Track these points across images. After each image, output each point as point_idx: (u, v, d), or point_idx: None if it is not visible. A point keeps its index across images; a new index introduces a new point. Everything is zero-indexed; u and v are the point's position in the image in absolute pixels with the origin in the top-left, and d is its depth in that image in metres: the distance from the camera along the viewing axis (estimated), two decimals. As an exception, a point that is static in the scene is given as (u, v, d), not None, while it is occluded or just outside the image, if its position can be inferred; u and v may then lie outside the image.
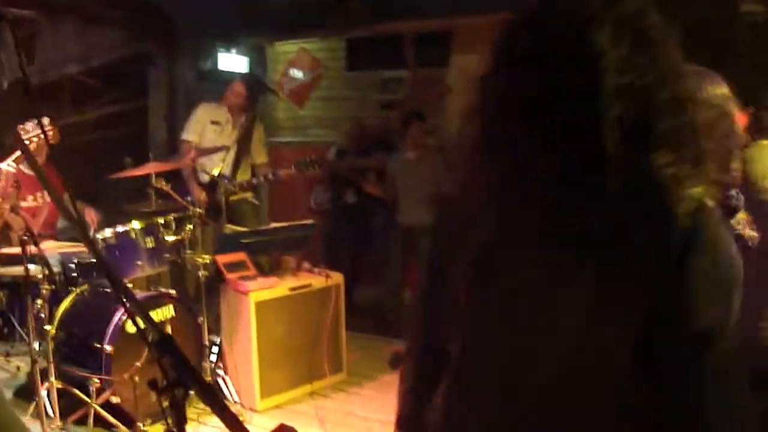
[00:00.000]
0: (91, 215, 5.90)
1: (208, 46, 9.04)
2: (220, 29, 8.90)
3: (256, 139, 7.09)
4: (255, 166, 7.16)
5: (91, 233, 5.46)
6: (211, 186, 6.00)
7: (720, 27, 6.80)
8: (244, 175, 6.92)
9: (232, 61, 9.03)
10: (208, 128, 6.87)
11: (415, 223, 7.20)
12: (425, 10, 7.93)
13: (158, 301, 5.10)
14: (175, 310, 5.17)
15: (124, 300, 1.71)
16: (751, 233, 2.62)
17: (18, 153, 4.52)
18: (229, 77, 8.82)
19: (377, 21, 8.18)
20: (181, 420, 1.60)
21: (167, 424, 1.60)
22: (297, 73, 9.33)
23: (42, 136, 4.31)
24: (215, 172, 5.87)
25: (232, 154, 6.66)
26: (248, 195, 6.91)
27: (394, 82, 8.98)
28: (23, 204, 5.52)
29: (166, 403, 1.57)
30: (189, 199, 5.90)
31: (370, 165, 7.79)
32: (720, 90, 2.53)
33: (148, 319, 1.73)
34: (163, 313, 5.10)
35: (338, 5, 8.11)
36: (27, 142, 4.42)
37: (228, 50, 9.01)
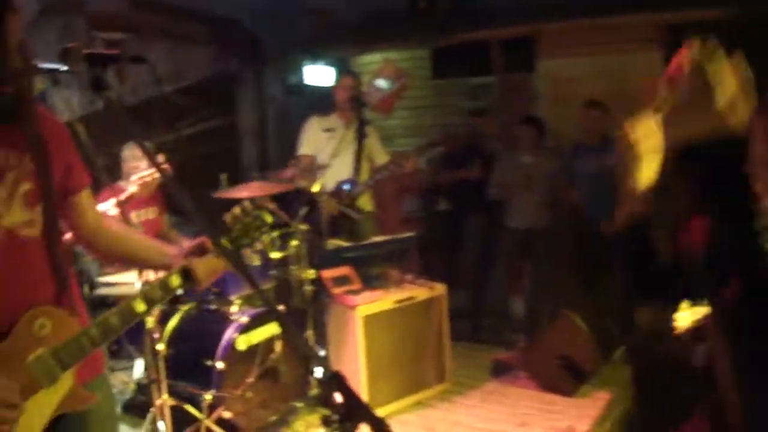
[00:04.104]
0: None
1: (294, 60, 9.10)
2: (304, 43, 8.97)
3: (372, 139, 6.81)
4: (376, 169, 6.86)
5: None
6: (313, 203, 5.95)
7: None
8: (365, 178, 6.65)
9: (319, 74, 9.07)
10: (321, 137, 6.62)
11: (528, 226, 7.17)
12: (509, 17, 7.89)
13: (267, 317, 5.14)
14: (282, 326, 5.22)
15: (285, 328, 1.78)
16: None
17: (124, 196, 4.58)
18: (316, 90, 8.90)
19: (462, 29, 8.16)
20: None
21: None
22: (382, 83, 9.35)
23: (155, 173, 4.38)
24: (315, 189, 5.84)
25: (350, 157, 6.53)
26: (367, 206, 6.72)
27: (481, 89, 8.95)
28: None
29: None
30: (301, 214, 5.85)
31: (467, 175, 7.72)
32: None
33: (310, 350, 1.79)
34: (271, 329, 5.16)
35: (422, 15, 8.09)
36: (141, 181, 4.51)
37: (314, 63, 9.06)
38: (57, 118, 2.48)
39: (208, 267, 2.49)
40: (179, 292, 4.88)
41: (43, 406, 2.25)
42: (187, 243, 2.70)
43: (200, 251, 2.50)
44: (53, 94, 6.41)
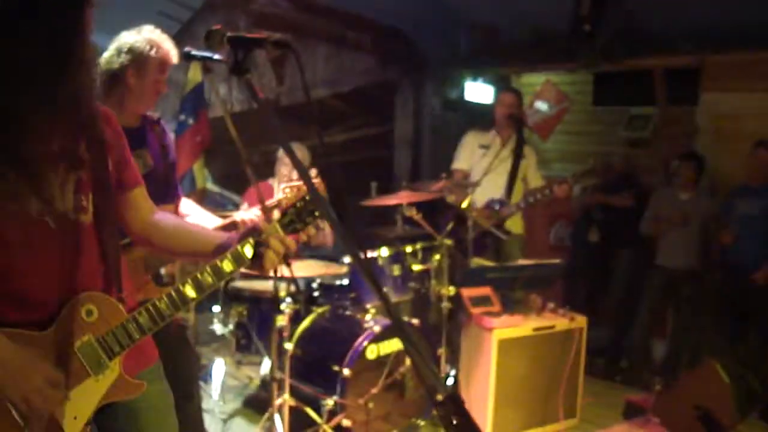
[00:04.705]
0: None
1: (455, 75, 9.04)
2: (466, 58, 8.91)
3: (529, 161, 6.67)
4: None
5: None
6: (461, 218, 5.88)
7: None
8: (517, 199, 6.47)
9: (479, 91, 8.99)
10: (477, 153, 6.58)
11: (677, 266, 6.89)
12: (674, 46, 7.61)
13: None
14: (403, 341, 5.13)
15: (408, 345, 1.72)
16: None
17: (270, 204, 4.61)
18: (473, 106, 8.81)
19: (625, 55, 7.94)
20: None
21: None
22: (542, 106, 9.21)
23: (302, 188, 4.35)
24: (464, 205, 5.76)
25: (503, 176, 6.45)
26: (516, 228, 6.63)
27: (641, 119, 8.68)
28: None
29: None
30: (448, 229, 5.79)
31: (619, 203, 7.50)
32: None
33: (432, 373, 1.71)
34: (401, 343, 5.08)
35: (587, 39, 7.92)
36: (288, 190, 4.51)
37: (474, 80, 8.99)
38: (112, 113, 2.48)
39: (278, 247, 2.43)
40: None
41: (91, 393, 2.26)
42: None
43: (252, 234, 2.44)
44: (208, 88, 6.53)
